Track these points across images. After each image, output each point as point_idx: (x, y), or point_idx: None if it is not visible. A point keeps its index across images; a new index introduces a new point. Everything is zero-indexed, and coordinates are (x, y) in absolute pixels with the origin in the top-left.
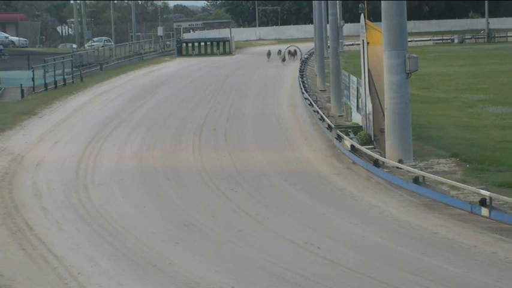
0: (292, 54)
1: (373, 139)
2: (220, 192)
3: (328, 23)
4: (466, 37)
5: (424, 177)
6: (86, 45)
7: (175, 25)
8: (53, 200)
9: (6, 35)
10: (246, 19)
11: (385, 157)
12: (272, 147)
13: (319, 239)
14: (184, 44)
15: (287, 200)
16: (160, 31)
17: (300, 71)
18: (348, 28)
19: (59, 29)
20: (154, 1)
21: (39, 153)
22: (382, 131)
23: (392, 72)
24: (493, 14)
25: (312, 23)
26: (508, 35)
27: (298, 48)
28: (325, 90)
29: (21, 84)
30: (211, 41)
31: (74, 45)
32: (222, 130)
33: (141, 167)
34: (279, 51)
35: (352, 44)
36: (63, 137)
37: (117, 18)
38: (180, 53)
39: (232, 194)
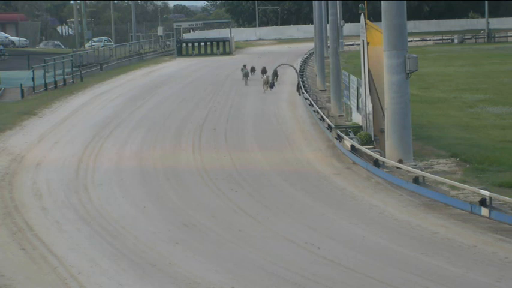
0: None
1: (373, 139)
2: (220, 192)
3: (328, 23)
4: (466, 37)
5: (424, 177)
6: (86, 45)
7: (175, 25)
8: (53, 200)
9: (6, 35)
10: (246, 19)
11: (385, 157)
12: (272, 147)
13: (319, 239)
14: (184, 44)
15: (287, 200)
16: (160, 31)
17: (300, 71)
18: (348, 28)
19: (59, 29)
20: (154, 1)
21: (39, 153)
22: (382, 131)
23: (392, 72)
24: (493, 14)
25: (312, 23)
26: (508, 35)
27: (293, 67)
28: (325, 90)
29: (21, 84)
30: (211, 41)
31: (57, 42)
32: (222, 130)
33: (141, 167)
34: (250, 69)
35: (352, 44)
36: (63, 137)
37: (117, 18)
38: (180, 53)
39: (232, 194)
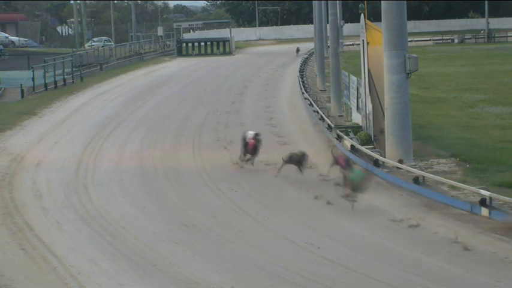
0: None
1: (373, 139)
2: (220, 192)
3: (328, 23)
4: (466, 37)
5: (424, 177)
6: (86, 45)
7: (175, 25)
8: (53, 200)
9: (6, 35)
10: (246, 19)
11: (385, 157)
12: (272, 147)
13: (319, 239)
14: (184, 44)
15: (287, 200)
16: (160, 31)
17: (300, 71)
18: (348, 28)
19: (59, 29)
20: (154, 1)
21: (39, 153)
22: (382, 131)
23: (392, 72)
24: (493, 14)
25: (312, 23)
26: (508, 35)
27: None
28: (325, 90)
29: (21, 84)
30: (211, 41)
31: (26, 40)
32: (222, 130)
33: (141, 167)
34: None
35: (352, 44)
36: (63, 137)
37: (117, 18)
38: (180, 53)
39: (232, 194)
